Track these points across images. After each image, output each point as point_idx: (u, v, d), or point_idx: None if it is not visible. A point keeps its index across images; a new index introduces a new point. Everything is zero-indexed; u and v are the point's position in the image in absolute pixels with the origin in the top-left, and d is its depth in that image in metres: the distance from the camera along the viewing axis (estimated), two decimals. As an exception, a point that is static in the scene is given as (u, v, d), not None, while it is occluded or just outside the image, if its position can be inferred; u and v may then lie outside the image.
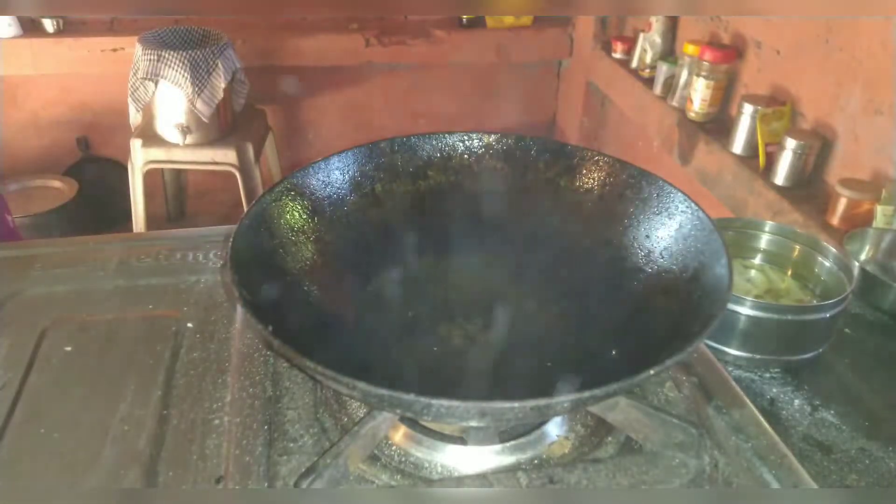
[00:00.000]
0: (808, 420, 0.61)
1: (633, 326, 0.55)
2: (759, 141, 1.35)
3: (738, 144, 1.43)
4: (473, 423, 0.49)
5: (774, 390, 0.64)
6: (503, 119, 2.58)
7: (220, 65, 1.76)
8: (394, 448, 0.51)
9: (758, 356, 0.67)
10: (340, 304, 0.58)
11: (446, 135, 0.65)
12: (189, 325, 0.64)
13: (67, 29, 2.17)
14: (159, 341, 0.61)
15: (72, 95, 2.27)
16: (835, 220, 1.14)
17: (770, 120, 1.34)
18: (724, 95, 1.56)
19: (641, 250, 0.58)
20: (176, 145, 1.85)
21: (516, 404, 0.38)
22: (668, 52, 1.83)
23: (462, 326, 0.59)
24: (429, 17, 2.36)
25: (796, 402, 0.63)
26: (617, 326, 0.56)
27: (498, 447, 0.50)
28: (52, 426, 0.52)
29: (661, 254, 0.57)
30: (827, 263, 0.73)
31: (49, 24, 2.12)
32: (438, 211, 0.65)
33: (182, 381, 0.57)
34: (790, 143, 1.25)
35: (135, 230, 1.98)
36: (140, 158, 1.88)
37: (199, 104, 1.76)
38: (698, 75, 1.53)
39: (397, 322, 0.60)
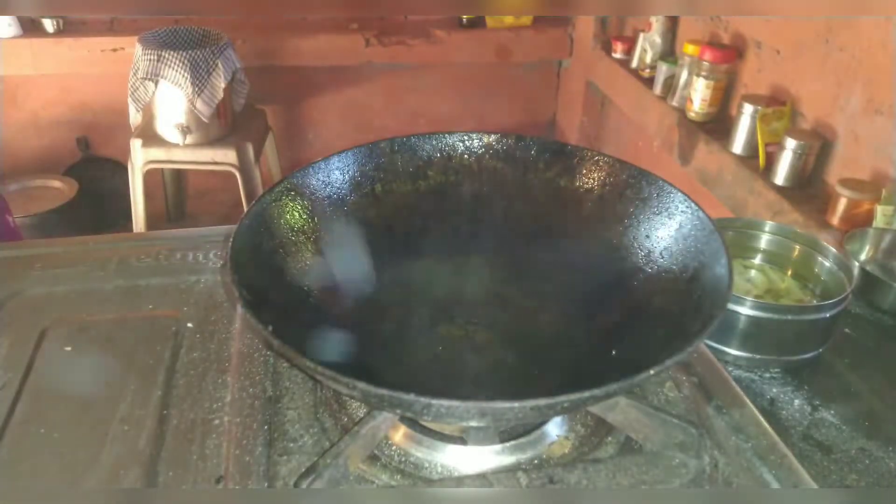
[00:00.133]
0: (808, 420, 0.61)
1: (633, 326, 0.55)
2: (759, 141, 1.35)
3: (738, 144, 1.43)
4: (473, 423, 0.49)
5: (774, 390, 0.64)
6: (503, 119, 2.58)
7: (220, 65, 1.76)
8: (394, 448, 0.51)
9: (758, 356, 0.67)
10: (340, 304, 0.58)
11: (446, 135, 0.65)
12: (189, 325, 0.64)
13: (67, 29, 2.17)
14: (159, 341, 0.61)
15: (72, 95, 2.27)
16: (835, 220, 1.14)
17: (770, 120, 1.34)
18: (724, 95, 1.56)
19: (641, 250, 0.58)
20: (176, 145, 1.85)
21: (516, 404, 0.38)
22: (668, 52, 1.83)
23: (462, 326, 0.59)
24: (429, 17, 2.36)
25: (796, 402, 0.63)
26: (617, 326, 0.56)
27: (498, 447, 0.50)
28: (52, 426, 0.52)
29: (661, 254, 0.57)
30: (827, 263, 0.73)
31: (49, 24, 2.12)
32: (438, 211, 0.65)
33: (182, 381, 0.57)
34: (790, 143, 1.25)
35: (135, 230, 1.98)
36: (140, 158, 1.88)
37: (199, 104, 1.76)
38: (698, 75, 1.53)
39: (397, 322, 0.60)
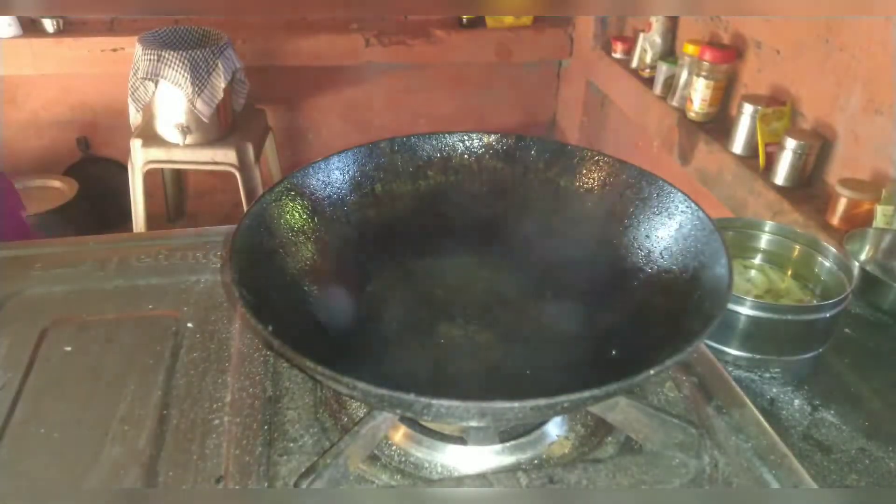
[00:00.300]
0: (808, 420, 0.61)
1: (633, 326, 0.55)
2: (759, 141, 1.35)
3: (738, 144, 1.43)
4: (473, 423, 0.49)
5: (774, 390, 0.64)
6: (503, 119, 2.58)
7: (220, 65, 1.76)
8: (394, 448, 0.51)
9: (758, 356, 0.67)
10: (340, 304, 0.58)
11: (446, 135, 0.65)
12: (189, 325, 0.64)
13: (67, 29, 2.17)
14: (159, 341, 0.61)
15: (72, 95, 2.27)
16: (835, 220, 1.14)
17: (770, 120, 1.34)
18: (724, 95, 1.56)
19: (641, 250, 0.58)
20: (176, 145, 1.85)
21: (516, 404, 0.38)
22: (668, 52, 1.83)
23: (462, 326, 0.59)
24: (429, 17, 2.36)
25: (796, 402, 0.63)
26: (617, 326, 0.56)
27: (498, 447, 0.50)
28: (52, 426, 0.52)
29: (661, 254, 0.57)
30: (827, 263, 0.73)
31: (49, 24, 2.12)
32: (438, 211, 0.65)
33: (182, 381, 0.57)
34: (790, 143, 1.25)
35: (135, 230, 1.98)
36: (140, 158, 1.88)
37: (199, 104, 1.76)
38: (698, 75, 1.53)
39: (397, 322, 0.60)
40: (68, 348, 0.60)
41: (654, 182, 0.58)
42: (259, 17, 2.28)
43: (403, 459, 0.50)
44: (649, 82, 1.81)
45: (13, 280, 0.69)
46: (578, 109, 2.41)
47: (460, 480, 0.48)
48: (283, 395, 0.55)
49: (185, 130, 1.82)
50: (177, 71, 1.71)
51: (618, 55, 2.01)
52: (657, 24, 1.80)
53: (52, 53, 2.13)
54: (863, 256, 0.87)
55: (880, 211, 1.01)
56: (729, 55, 1.51)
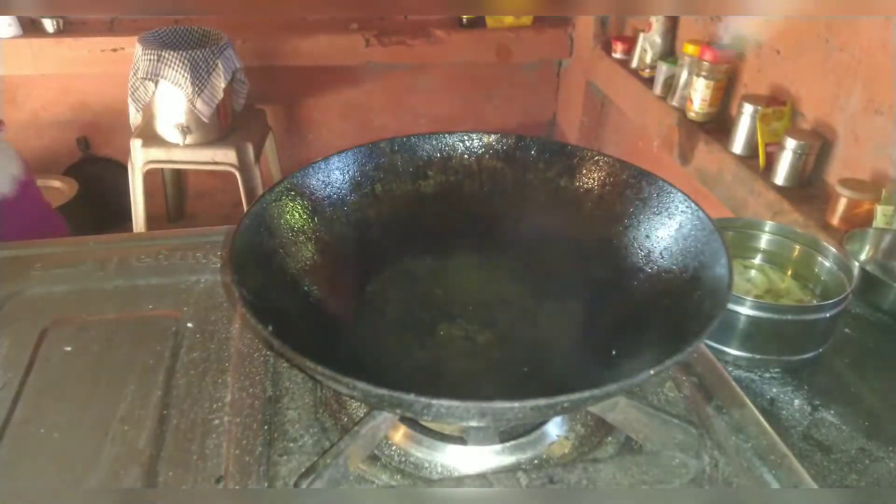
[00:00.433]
0: (808, 420, 0.61)
1: (633, 326, 0.55)
2: (759, 141, 1.35)
3: (738, 144, 1.43)
4: (473, 423, 0.49)
5: (774, 390, 0.64)
6: (503, 119, 2.58)
7: (220, 65, 1.76)
8: (394, 448, 0.51)
9: (758, 356, 0.67)
10: (340, 304, 0.58)
11: (446, 135, 0.65)
12: (189, 325, 0.64)
13: (67, 29, 2.17)
14: (159, 341, 0.61)
15: (72, 95, 2.27)
16: (835, 220, 1.14)
17: (770, 120, 1.34)
18: (724, 95, 1.56)
19: (641, 250, 0.58)
20: (176, 145, 1.85)
21: (516, 404, 0.38)
22: (668, 52, 1.83)
23: (462, 326, 0.59)
24: (429, 17, 2.36)
25: (796, 402, 0.63)
26: (617, 326, 0.56)
27: (498, 447, 0.50)
28: (52, 426, 0.52)
29: (661, 254, 0.57)
30: (827, 263, 0.73)
31: (49, 24, 2.12)
32: (438, 211, 0.65)
33: (182, 381, 0.57)
34: (790, 143, 1.25)
35: (135, 230, 1.98)
36: (140, 158, 1.88)
37: (199, 104, 1.76)
38: (698, 75, 1.53)
39: (397, 322, 0.60)
40: (68, 348, 0.60)
41: (654, 182, 0.58)
42: (259, 17, 2.28)
43: (403, 459, 0.50)
44: (649, 82, 1.81)
45: (13, 280, 0.69)
46: (578, 109, 2.41)
47: (460, 480, 0.48)
48: (283, 395, 0.55)
49: (185, 130, 1.82)
50: (177, 71, 1.71)
51: (618, 55, 2.01)
52: (657, 24, 1.80)
53: (52, 53, 2.13)
54: (863, 256, 0.87)
55: (880, 211, 1.01)
56: (729, 55, 1.51)
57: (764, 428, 0.52)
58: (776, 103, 1.38)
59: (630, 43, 1.95)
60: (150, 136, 1.87)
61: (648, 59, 1.85)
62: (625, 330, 0.55)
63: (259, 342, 0.60)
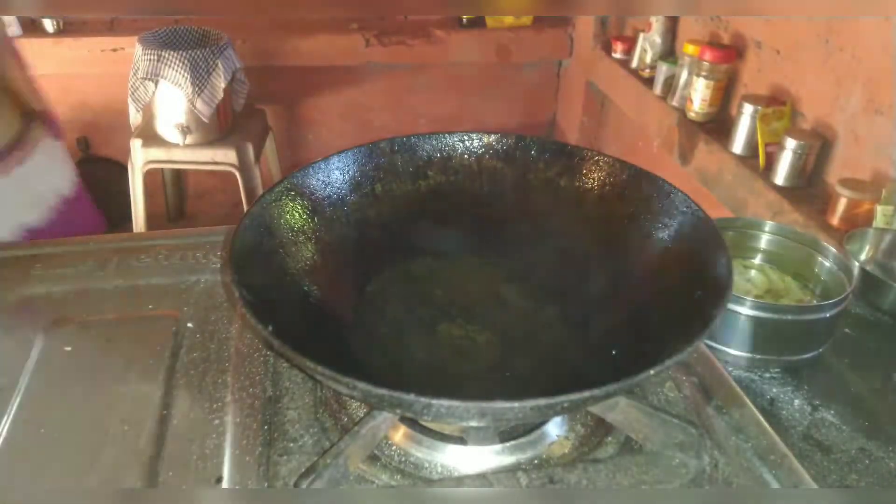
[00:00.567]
0: (808, 420, 0.61)
1: (633, 326, 0.55)
2: (759, 141, 1.35)
3: (738, 144, 1.43)
4: (473, 423, 0.49)
5: (774, 390, 0.64)
6: (503, 119, 2.58)
7: (220, 65, 1.76)
8: (394, 448, 0.51)
9: (758, 356, 0.67)
10: (340, 304, 0.58)
11: (446, 135, 0.65)
12: (189, 325, 0.64)
13: (67, 29, 2.17)
14: (159, 341, 0.61)
15: (72, 95, 2.27)
16: (835, 220, 1.14)
17: (770, 120, 1.34)
18: (724, 95, 1.56)
19: (641, 250, 0.58)
20: (176, 145, 1.85)
21: (516, 404, 0.38)
22: (668, 52, 1.83)
23: (462, 326, 0.59)
24: (429, 17, 2.36)
25: (796, 402, 0.63)
26: (617, 326, 0.56)
27: (498, 447, 0.50)
28: (52, 426, 0.52)
29: (661, 254, 0.57)
30: (827, 263, 0.73)
31: (49, 24, 2.12)
32: (438, 211, 0.65)
33: (182, 381, 0.57)
34: (790, 143, 1.25)
35: (135, 230, 1.98)
36: (140, 158, 1.88)
37: (199, 104, 1.76)
38: (698, 75, 1.53)
39: (397, 322, 0.60)
40: (68, 348, 0.60)
41: (654, 182, 0.58)
42: (259, 17, 2.28)
43: (403, 459, 0.50)
44: (649, 82, 1.81)
45: (13, 280, 0.69)
46: (578, 109, 2.41)
47: (460, 480, 0.48)
48: (283, 395, 0.55)
49: (185, 130, 1.82)
50: (177, 71, 1.71)
51: (618, 55, 2.01)
52: (657, 24, 1.80)
53: (52, 53, 2.13)
54: (863, 256, 0.87)
55: (880, 211, 1.01)
56: (729, 55, 1.51)
57: (764, 428, 0.52)
58: (776, 103, 1.38)
59: (630, 43, 1.95)
60: (150, 136, 1.87)
61: (648, 59, 1.85)
62: (625, 330, 0.55)
63: (259, 342, 0.60)
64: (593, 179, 0.62)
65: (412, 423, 0.51)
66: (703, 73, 1.52)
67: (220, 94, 1.79)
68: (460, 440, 0.50)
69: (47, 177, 0.90)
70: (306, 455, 0.49)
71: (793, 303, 0.72)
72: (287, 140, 2.44)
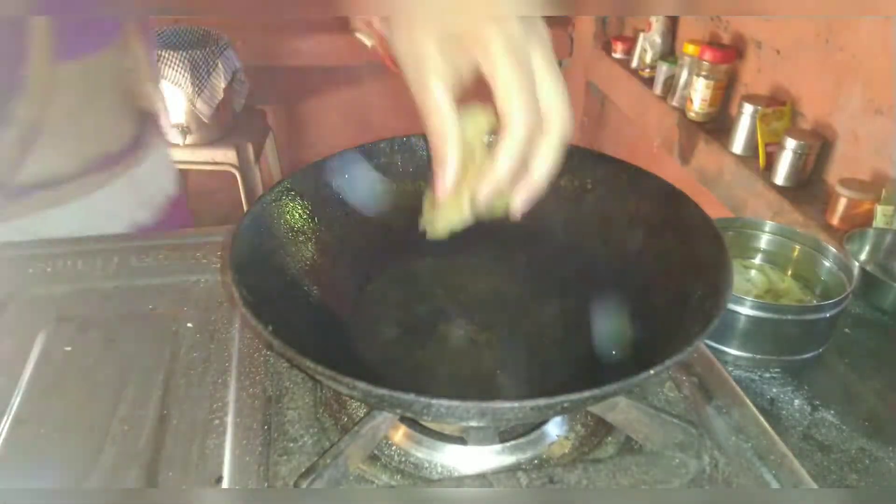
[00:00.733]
0: (808, 420, 0.61)
1: (633, 326, 0.55)
2: (759, 141, 1.35)
3: (738, 144, 1.43)
4: (473, 423, 0.49)
5: (774, 390, 0.64)
6: (503, 119, 2.57)
7: (220, 65, 1.76)
8: (394, 448, 0.51)
9: (758, 356, 0.67)
10: (340, 304, 0.58)
11: (446, 135, 0.65)
12: (189, 325, 0.64)
13: (67, 29, 2.16)
14: (159, 341, 0.61)
15: (72, 95, 2.26)
16: (835, 220, 1.14)
17: (770, 120, 1.34)
18: (724, 95, 1.56)
19: (641, 250, 0.58)
20: (176, 145, 1.86)
21: (516, 404, 0.38)
22: (668, 52, 1.83)
23: (462, 326, 0.59)
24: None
25: (796, 402, 0.63)
26: (617, 326, 0.56)
27: (498, 447, 0.50)
28: (52, 426, 0.52)
29: (660, 254, 0.57)
30: (827, 263, 0.73)
31: (49, 24, 2.12)
32: (438, 211, 0.65)
33: (182, 381, 0.57)
34: (790, 143, 1.25)
35: (135, 230, 1.98)
36: (140, 158, 1.87)
37: (199, 104, 1.77)
38: (698, 75, 1.53)
39: (397, 322, 0.60)
40: (68, 348, 0.60)
41: (653, 182, 0.58)
42: (259, 17, 2.28)
43: (403, 459, 0.50)
44: (649, 82, 1.81)
45: (13, 280, 0.69)
46: (578, 109, 2.41)
47: (460, 480, 0.48)
48: (283, 395, 0.55)
49: (185, 130, 1.82)
50: (177, 71, 1.71)
51: (618, 55, 2.01)
52: (657, 24, 1.80)
53: (52, 53, 2.12)
54: (863, 256, 0.87)
55: (880, 211, 1.01)
56: (729, 55, 1.51)
57: (764, 428, 0.52)
58: (776, 103, 1.38)
59: (630, 43, 1.95)
60: (150, 136, 1.87)
61: (648, 59, 1.85)
62: (625, 330, 0.55)
63: (259, 342, 0.60)
64: (593, 179, 0.62)
65: (412, 423, 0.51)
66: (703, 73, 1.52)
67: (220, 94, 1.79)
68: (460, 440, 0.50)
69: (159, 177, 0.93)
70: (306, 455, 0.49)
71: (793, 303, 0.72)
72: (287, 140, 2.44)
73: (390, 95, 2.48)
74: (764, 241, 0.77)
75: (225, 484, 0.47)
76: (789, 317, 0.64)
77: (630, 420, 0.50)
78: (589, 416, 0.54)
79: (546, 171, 0.48)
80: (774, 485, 0.48)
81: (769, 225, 0.77)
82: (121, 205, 0.87)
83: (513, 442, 0.50)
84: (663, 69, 1.72)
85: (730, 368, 0.67)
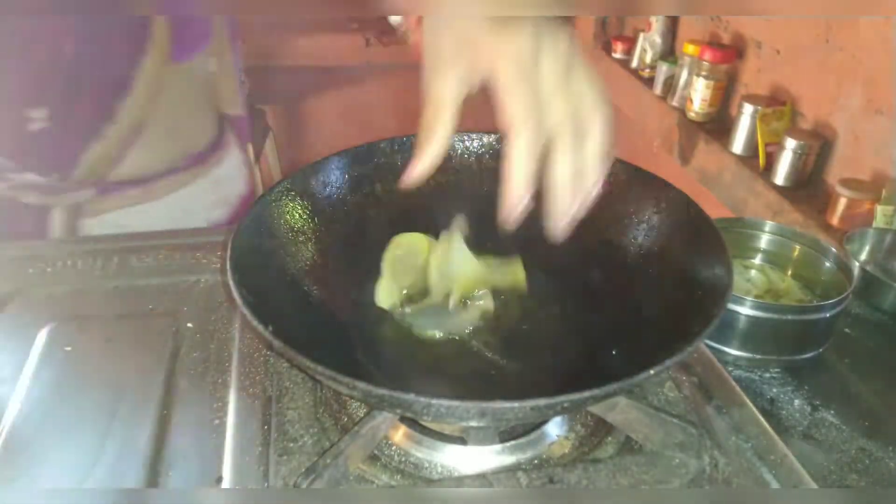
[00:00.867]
0: (808, 420, 0.61)
1: (633, 326, 0.55)
2: (759, 141, 1.35)
3: (738, 144, 1.43)
4: (473, 423, 0.49)
5: (774, 390, 0.64)
6: (503, 119, 2.58)
7: (220, 65, 1.76)
8: (394, 448, 0.51)
9: (758, 356, 0.67)
10: (341, 305, 0.58)
11: (446, 135, 0.65)
12: (189, 325, 0.64)
13: (67, 29, 2.16)
14: (159, 341, 0.61)
15: (72, 95, 2.26)
16: (835, 220, 1.14)
17: (770, 120, 1.34)
18: (724, 95, 1.56)
19: (641, 250, 0.58)
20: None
21: (516, 404, 0.38)
22: (668, 52, 1.83)
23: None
24: (429, 17, 2.36)
25: (796, 402, 0.63)
26: (617, 326, 0.56)
27: (498, 447, 0.50)
28: (52, 426, 0.52)
29: (660, 253, 0.57)
30: (827, 263, 0.73)
31: (49, 24, 2.12)
32: (439, 211, 0.65)
33: (182, 381, 0.57)
34: (790, 143, 1.25)
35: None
36: (140, 158, 1.87)
37: (199, 104, 1.76)
38: (698, 75, 1.53)
39: (397, 322, 0.59)
40: (68, 348, 0.60)
41: (654, 182, 0.58)
42: (259, 17, 2.28)
43: (403, 459, 0.50)
44: (649, 82, 1.81)
45: (13, 280, 0.69)
46: (578, 109, 2.41)
47: (460, 480, 0.48)
48: (283, 395, 0.55)
49: (185, 130, 1.82)
50: (177, 71, 1.71)
51: (618, 55, 2.01)
52: (657, 24, 1.80)
53: (52, 53, 2.12)
54: (863, 256, 0.87)
55: (880, 211, 1.01)
56: (729, 55, 1.51)
57: (764, 428, 0.52)
58: (776, 103, 1.38)
59: (630, 43, 1.95)
60: (150, 136, 1.87)
61: (648, 59, 1.85)
62: (625, 330, 0.55)
63: (259, 342, 0.60)
64: (593, 179, 0.62)
65: (412, 423, 0.51)
66: (703, 73, 1.52)
67: (220, 94, 1.79)
68: (460, 440, 0.50)
69: (235, 177, 0.96)
70: (306, 455, 0.49)
71: (793, 303, 0.72)
72: (287, 140, 2.44)
73: (390, 95, 2.47)
74: (764, 241, 0.77)
75: (225, 484, 0.47)
76: (789, 317, 0.64)
77: (630, 420, 0.50)
78: (589, 416, 0.54)
79: (595, 176, 0.48)
80: (774, 485, 0.48)
81: (769, 225, 0.77)
82: (199, 203, 0.89)
83: (513, 442, 0.50)
84: (663, 69, 1.72)
85: (730, 368, 0.67)
